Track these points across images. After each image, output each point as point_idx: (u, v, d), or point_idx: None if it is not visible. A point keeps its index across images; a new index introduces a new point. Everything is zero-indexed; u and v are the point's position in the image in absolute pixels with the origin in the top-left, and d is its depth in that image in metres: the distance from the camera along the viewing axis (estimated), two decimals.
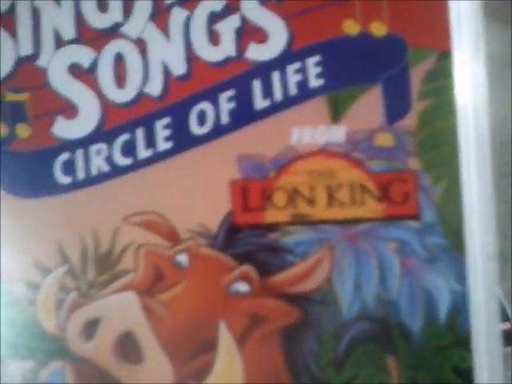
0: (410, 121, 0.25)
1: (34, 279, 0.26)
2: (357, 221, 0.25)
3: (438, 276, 0.25)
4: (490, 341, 0.25)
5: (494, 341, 0.25)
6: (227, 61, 0.25)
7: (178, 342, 0.25)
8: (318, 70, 0.25)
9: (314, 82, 0.25)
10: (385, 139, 0.25)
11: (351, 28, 0.25)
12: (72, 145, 0.26)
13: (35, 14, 0.26)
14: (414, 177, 0.25)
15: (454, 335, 0.25)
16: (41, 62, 0.26)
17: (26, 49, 0.26)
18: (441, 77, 0.25)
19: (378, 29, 0.25)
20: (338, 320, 0.25)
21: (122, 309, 0.25)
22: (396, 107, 0.25)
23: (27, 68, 0.26)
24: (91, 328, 0.25)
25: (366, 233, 0.25)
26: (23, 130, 0.26)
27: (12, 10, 0.26)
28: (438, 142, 0.25)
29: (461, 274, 0.25)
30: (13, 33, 0.26)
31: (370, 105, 0.25)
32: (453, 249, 0.25)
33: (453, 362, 0.25)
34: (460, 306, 0.25)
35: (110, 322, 0.25)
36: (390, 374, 0.25)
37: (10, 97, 0.26)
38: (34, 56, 0.26)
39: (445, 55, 0.25)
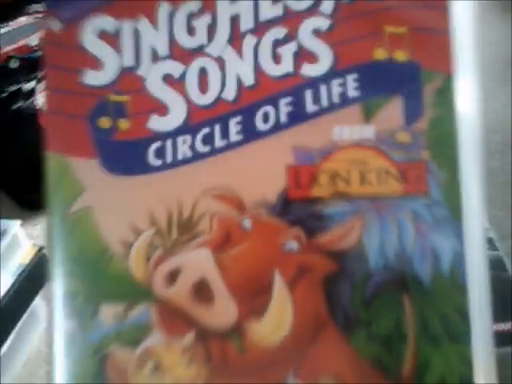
0: (422, 124, 0.28)
1: (129, 239, 0.29)
2: (382, 196, 0.28)
3: (442, 238, 0.28)
4: (481, 287, 0.28)
5: (485, 287, 0.28)
6: (286, 75, 0.29)
7: (242, 287, 0.28)
8: (355, 84, 0.29)
9: (352, 93, 0.29)
10: (404, 137, 0.29)
11: (381, 54, 0.29)
12: (163, 136, 0.29)
13: (136, 35, 0.29)
14: (425, 165, 0.28)
15: (453, 283, 0.28)
16: (140, 71, 0.29)
17: (129, 61, 0.29)
18: (446, 92, 0.28)
19: (401, 56, 0.29)
20: (367, 271, 0.28)
21: (198, 261, 0.28)
22: (412, 113, 0.28)
23: (129, 76, 0.29)
24: (173, 276, 0.28)
25: (389, 205, 0.28)
26: (124, 124, 0.29)
27: (118, 31, 0.30)
28: (443, 140, 0.28)
29: (460, 237, 0.28)
30: (118, 48, 0.30)
31: (393, 111, 0.28)
32: (454, 218, 0.28)
33: (453, 304, 0.28)
34: (458, 261, 0.28)
35: (189, 271, 0.28)
36: (405, 311, 0.28)
37: (114, 98, 0.29)
38: (135, 67, 0.29)
39: (450, 76, 0.29)
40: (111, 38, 0.30)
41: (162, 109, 0.29)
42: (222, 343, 0.28)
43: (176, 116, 0.29)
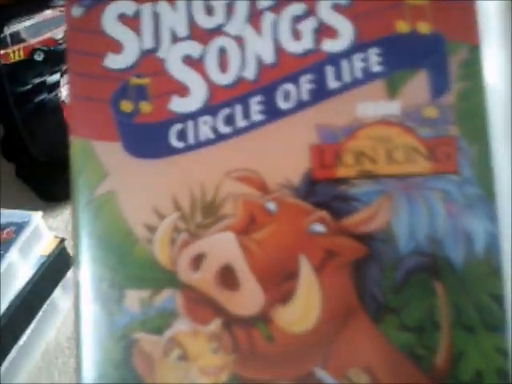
0: (449, 98, 0.28)
1: (153, 223, 0.28)
2: (410, 175, 0.27)
3: (475, 219, 0.27)
4: None
5: None
6: (306, 52, 0.28)
7: (268, 272, 0.27)
8: (378, 58, 0.28)
9: (375, 68, 0.28)
10: (430, 112, 0.28)
11: (403, 27, 0.28)
12: (184, 117, 0.29)
13: (156, 17, 0.29)
14: (454, 141, 0.28)
15: (488, 267, 0.27)
16: (160, 53, 0.29)
17: (148, 43, 0.29)
18: (473, 64, 0.28)
19: (424, 27, 0.28)
20: (397, 255, 0.27)
21: (222, 245, 0.28)
22: (438, 87, 0.28)
23: (149, 58, 0.29)
24: (198, 261, 0.28)
25: (417, 185, 0.27)
26: (145, 107, 0.29)
27: (137, 14, 0.29)
28: (473, 114, 0.28)
29: (493, 218, 0.27)
30: (138, 31, 0.30)
31: (418, 85, 0.28)
32: (486, 197, 0.27)
33: (488, 288, 0.27)
34: (493, 244, 0.27)
35: (213, 256, 0.28)
36: (438, 297, 0.27)
37: (135, 81, 0.29)
38: (155, 49, 0.29)
39: (476, 47, 0.28)
40: (131, 21, 0.29)
41: (182, 90, 0.29)
42: (249, 331, 0.27)
43: (197, 97, 0.29)
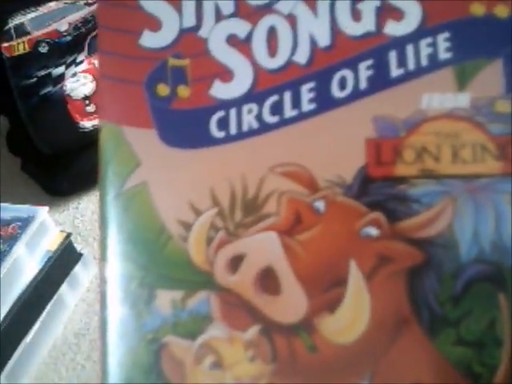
0: None
1: (188, 219, 0.27)
2: (477, 176, 0.26)
3: None
4: None
5: None
6: (367, 35, 0.27)
7: (313, 277, 0.26)
8: (447, 44, 0.26)
9: (443, 55, 0.26)
10: (504, 106, 0.26)
11: (478, 9, 0.26)
12: (227, 104, 0.27)
13: None
14: None
15: None
16: (202, 32, 0.28)
17: (190, 21, 0.28)
18: None
19: (502, 11, 0.26)
20: (457, 262, 0.25)
21: (264, 246, 0.26)
22: None
23: (189, 37, 0.28)
24: (236, 263, 0.26)
25: (485, 187, 0.26)
26: (184, 91, 0.28)
27: None
28: None
29: None
30: (178, 7, 0.28)
31: (491, 76, 0.26)
32: None
33: None
34: None
35: (253, 257, 0.26)
36: (501, 310, 0.25)
37: (173, 62, 0.28)
38: (196, 27, 0.28)
39: None
40: None
41: (225, 74, 0.27)
42: (290, 339, 0.26)
43: (241, 82, 0.27)
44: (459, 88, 0.26)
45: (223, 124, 0.27)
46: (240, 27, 0.28)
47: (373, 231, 0.26)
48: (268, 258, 0.26)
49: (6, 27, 1.21)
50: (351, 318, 0.26)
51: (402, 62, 0.27)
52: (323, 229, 0.26)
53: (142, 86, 0.28)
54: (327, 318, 0.26)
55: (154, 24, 0.28)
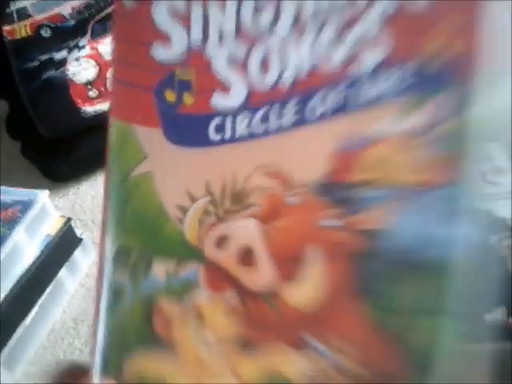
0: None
1: (185, 204, 0.31)
2: (421, 184, 0.27)
3: (459, 227, 0.26)
4: None
5: None
6: (343, 63, 0.28)
7: (281, 255, 0.30)
8: (408, 77, 0.27)
9: (403, 86, 0.27)
10: (450, 126, 0.26)
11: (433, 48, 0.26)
12: (224, 113, 0.30)
13: (206, 15, 0.30)
14: None
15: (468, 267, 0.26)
16: (207, 51, 0.30)
17: (197, 40, 0.30)
18: None
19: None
20: (399, 251, 0.28)
21: (245, 230, 0.30)
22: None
23: (196, 55, 0.30)
24: (222, 241, 0.31)
25: (427, 193, 0.27)
26: (188, 99, 0.31)
27: (188, 10, 0.31)
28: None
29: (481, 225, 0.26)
30: (187, 27, 0.31)
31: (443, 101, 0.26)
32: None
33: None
34: (468, 248, 0.26)
35: (236, 238, 0.30)
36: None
37: (180, 74, 0.31)
38: (203, 46, 0.30)
39: None
40: (181, 17, 0.31)
41: (224, 88, 0.30)
42: (258, 302, 0.30)
43: (237, 96, 0.30)
44: (411, 113, 0.27)
45: (220, 129, 0.31)
46: (239, 49, 0.30)
47: (331, 222, 0.29)
48: (248, 238, 0.30)
49: (8, 10, 1.20)
50: (307, 288, 0.30)
51: (367, 89, 0.28)
52: (293, 218, 0.30)
53: (151, 92, 0.33)
54: (288, 286, 0.30)
55: (166, 40, 0.32)
